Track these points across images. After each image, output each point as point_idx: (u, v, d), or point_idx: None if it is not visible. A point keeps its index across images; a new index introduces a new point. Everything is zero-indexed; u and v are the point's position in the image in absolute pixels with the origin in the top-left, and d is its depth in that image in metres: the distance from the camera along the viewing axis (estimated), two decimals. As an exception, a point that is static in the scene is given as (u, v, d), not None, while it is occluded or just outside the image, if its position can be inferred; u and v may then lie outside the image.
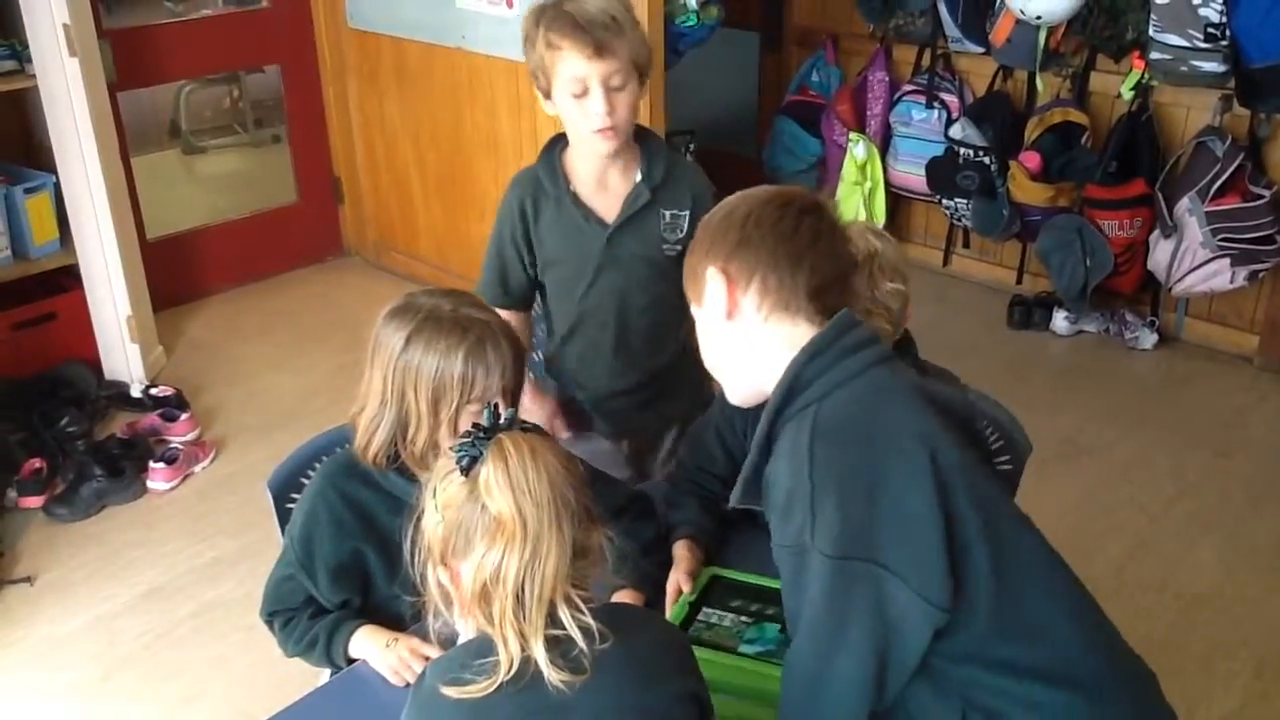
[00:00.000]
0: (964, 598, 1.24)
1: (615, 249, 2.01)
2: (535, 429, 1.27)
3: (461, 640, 1.29)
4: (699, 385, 1.93)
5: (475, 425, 1.24)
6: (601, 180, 2.01)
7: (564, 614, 1.18)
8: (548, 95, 1.94)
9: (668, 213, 2.01)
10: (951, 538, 1.24)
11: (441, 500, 1.23)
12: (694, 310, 1.45)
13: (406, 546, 1.29)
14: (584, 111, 1.89)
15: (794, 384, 1.31)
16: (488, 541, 1.18)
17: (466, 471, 1.20)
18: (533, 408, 2.07)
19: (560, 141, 2.04)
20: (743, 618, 1.59)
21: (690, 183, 2.04)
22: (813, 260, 1.35)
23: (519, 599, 1.17)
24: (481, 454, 1.20)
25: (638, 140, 2.01)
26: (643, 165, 2.01)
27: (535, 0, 1.93)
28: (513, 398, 1.60)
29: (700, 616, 1.61)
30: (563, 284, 2.07)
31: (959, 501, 1.25)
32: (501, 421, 1.24)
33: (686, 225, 2.00)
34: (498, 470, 1.18)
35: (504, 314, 2.00)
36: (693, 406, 2.02)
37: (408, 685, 1.49)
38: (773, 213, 1.37)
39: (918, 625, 1.23)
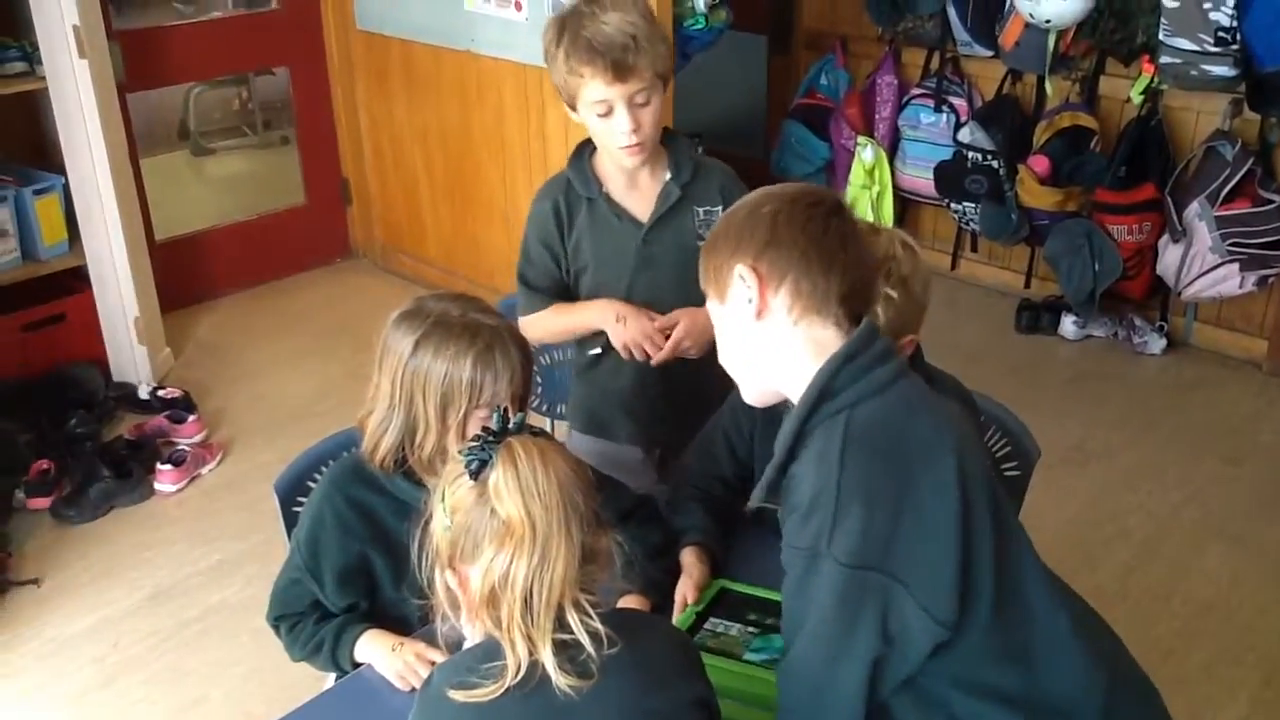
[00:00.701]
0: (965, 618, 1.24)
1: (651, 247, 2.02)
2: (543, 433, 1.27)
3: (468, 644, 1.29)
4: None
5: (485, 429, 1.24)
6: (632, 181, 2.02)
7: (572, 618, 1.18)
8: (573, 109, 1.94)
9: (700, 210, 2.02)
10: (967, 557, 1.24)
11: (450, 504, 1.23)
12: (713, 308, 1.44)
13: (414, 550, 1.29)
14: (610, 129, 1.90)
15: (825, 390, 1.30)
16: (496, 545, 1.19)
17: (475, 475, 1.21)
18: (635, 316, 2.00)
19: (589, 145, 2.04)
20: (750, 629, 1.59)
21: (720, 180, 2.05)
22: (844, 264, 1.34)
23: (527, 603, 1.17)
24: (490, 458, 1.20)
25: (663, 140, 2.01)
26: (671, 164, 2.02)
27: (554, 12, 1.93)
28: (521, 403, 1.59)
29: (707, 625, 1.61)
30: (600, 288, 2.06)
31: (980, 521, 1.26)
32: (511, 425, 1.24)
33: None
34: (507, 474, 1.19)
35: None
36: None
37: (413, 690, 1.49)
38: (802, 212, 1.36)
39: (919, 640, 1.23)
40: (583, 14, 1.87)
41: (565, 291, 2.09)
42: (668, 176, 2.01)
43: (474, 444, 1.22)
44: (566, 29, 1.88)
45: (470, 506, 1.21)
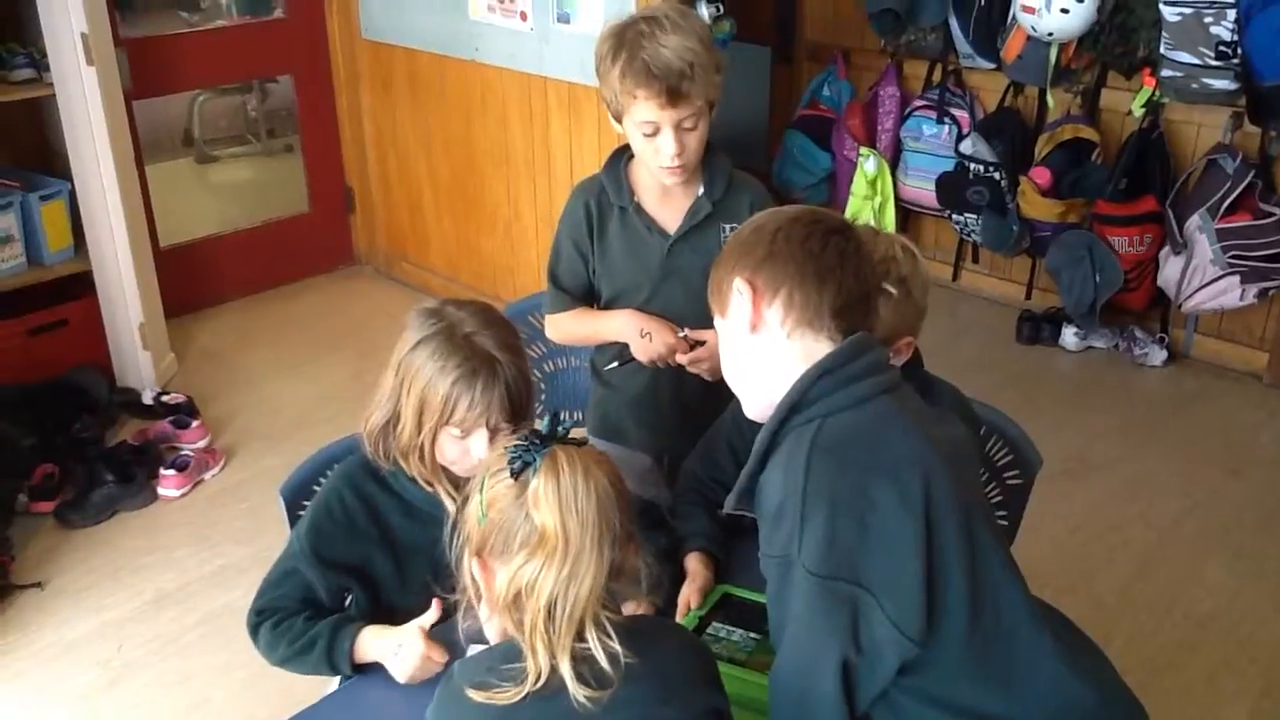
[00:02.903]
0: (937, 636, 1.25)
1: (675, 260, 2.02)
2: (585, 444, 1.27)
3: (488, 637, 1.31)
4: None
5: (533, 430, 1.25)
6: (666, 192, 2.02)
7: (591, 636, 1.19)
8: (618, 121, 1.95)
9: (728, 227, 2.00)
10: (932, 576, 1.25)
11: (488, 497, 1.24)
12: (717, 322, 1.47)
13: (447, 529, 1.31)
14: (654, 149, 1.91)
15: (800, 398, 1.32)
16: (528, 553, 1.20)
17: (517, 475, 1.21)
18: (660, 330, 2.01)
19: (626, 151, 2.04)
20: (752, 634, 1.59)
21: (752, 200, 2.04)
22: (839, 279, 1.36)
23: (550, 614, 1.18)
24: (534, 460, 1.21)
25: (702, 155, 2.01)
26: (705, 178, 2.01)
27: (613, 22, 1.91)
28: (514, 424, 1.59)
29: (709, 631, 1.61)
30: (622, 294, 2.07)
31: (946, 544, 1.26)
32: (560, 431, 1.24)
33: None
34: (548, 484, 1.19)
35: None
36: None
37: (425, 684, 1.50)
38: (802, 230, 1.39)
39: (888, 652, 1.24)
40: (642, 33, 1.85)
41: (591, 292, 2.11)
42: (700, 191, 2.01)
43: (520, 443, 1.23)
44: (625, 46, 1.86)
45: (507, 505, 1.22)
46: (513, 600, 1.20)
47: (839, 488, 1.25)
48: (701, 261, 1.97)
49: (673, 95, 1.84)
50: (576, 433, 1.33)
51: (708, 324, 1.95)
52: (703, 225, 2.02)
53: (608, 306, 2.09)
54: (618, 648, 1.19)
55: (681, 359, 2.00)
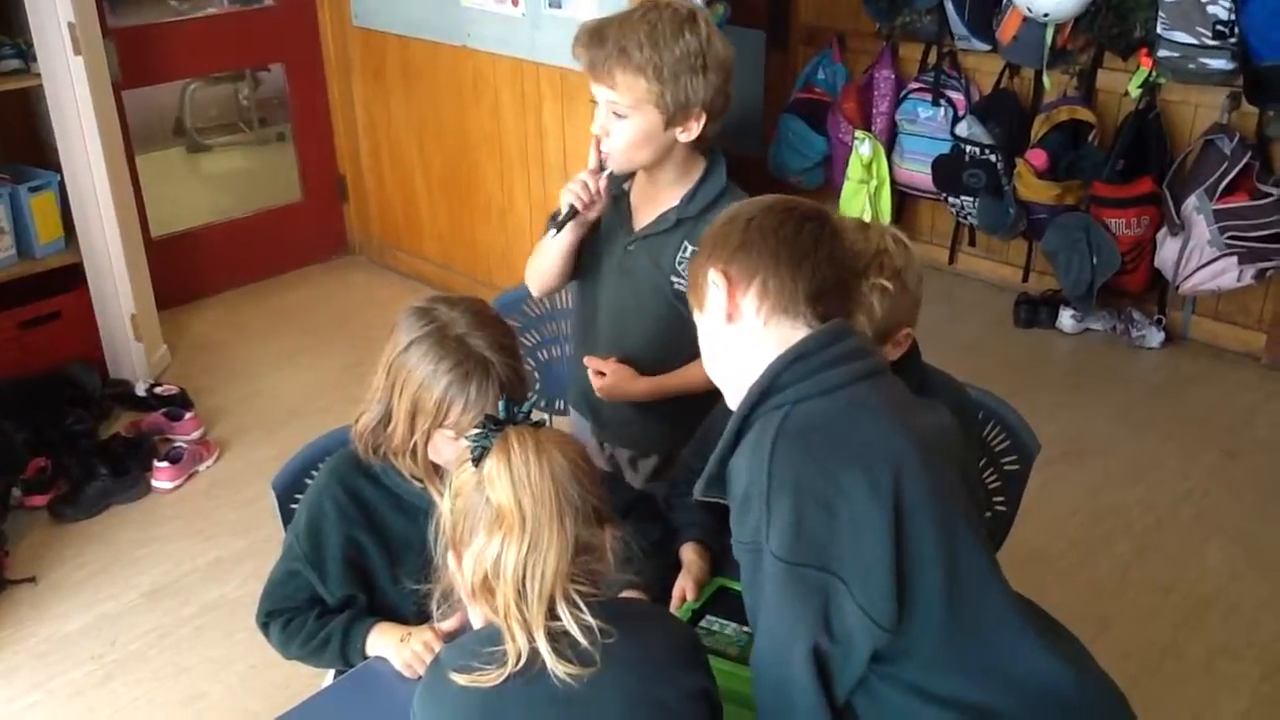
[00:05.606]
0: (912, 625, 1.24)
1: (630, 260, 1.97)
2: (542, 425, 1.28)
3: (473, 626, 1.31)
4: (681, 423, 1.90)
5: (488, 416, 1.26)
6: (650, 193, 1.97)
7: (562, 611, 1.20)
8: None
9: (691, 248, 1.93)
10: (903, 565, 1.23)
11: (455, 488, 1.26)
12: (696, 317, 1.45)
13: (431, 529, 1.31)
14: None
15: (770, 385, 1.31)
16: (488, 532, 1.21)
17: (477, 462, 1.23)
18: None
19: None
20: (744, 629, 1.58)
21: None
22: (813, 264, 1.35)
23: (520, 593, 1.19)
24: (490, 445, 1.23)
25: (706, 158, 1.95)
26: (690, 192, 1.93)
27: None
28: None
29: (702, 624, 1.61)
30: (588, 271, 2.03)
31: (918, 532, 1.25)
32: (518, 415, 1.25)
33: None
34: (500, 464, 1.21)
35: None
36: (675, 441, 1.96)
37: (419, 678, 1.49)
38: (775, 218, 1.38)
39: (860, 640, 1.23)
40: (623, 12, 1.83)
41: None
42: (676, 201, 1.94)
43: (479, 431, 1.24)
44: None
45: (470, 491, 1.24)
46: (482, 583, 1.22)
47: (804, 474, 1.25)
48: (653, 271, 1.94)
49: (591, 67, 1.82)
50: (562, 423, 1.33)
51: (648, 330, 1.96)
52: (664, 235, 1.94)
53: (578, 278, 2.06)
54: (590, 619, 1.19)
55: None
